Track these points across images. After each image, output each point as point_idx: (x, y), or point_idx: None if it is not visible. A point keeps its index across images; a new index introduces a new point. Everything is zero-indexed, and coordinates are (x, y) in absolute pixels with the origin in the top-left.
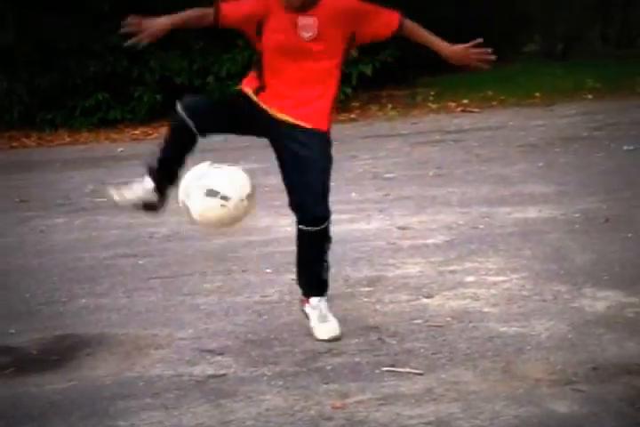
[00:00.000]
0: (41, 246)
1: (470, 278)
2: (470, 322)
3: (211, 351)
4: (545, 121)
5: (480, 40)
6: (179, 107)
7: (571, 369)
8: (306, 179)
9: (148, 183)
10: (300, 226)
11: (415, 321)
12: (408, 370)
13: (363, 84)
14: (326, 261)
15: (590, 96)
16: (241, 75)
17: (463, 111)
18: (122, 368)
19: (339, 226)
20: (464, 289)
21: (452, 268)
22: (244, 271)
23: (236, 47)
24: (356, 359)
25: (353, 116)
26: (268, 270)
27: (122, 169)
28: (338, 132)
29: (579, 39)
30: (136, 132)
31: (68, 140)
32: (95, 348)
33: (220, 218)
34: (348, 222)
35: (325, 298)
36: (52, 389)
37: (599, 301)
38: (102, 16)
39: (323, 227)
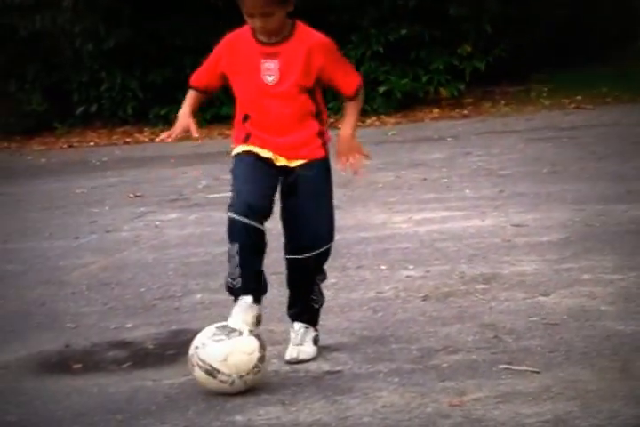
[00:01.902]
0: (155, 241)
1: (586, 276)
2: (587, 320)
3: (327, 348)
4: None
5: (367, 155)
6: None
7: None
8: (311, 211)
9: (244, 302)
10: (286, 255)
11: (531, 319)
12: (525, 368)
13: (476, 79)
14: (318, 293)
15: None
16: None
17: (577, 108)
18: None
19: (454, 222)
20: (580, 287)
21: (567, 266)
22: (358, 268)
23: (349, 42)
24: (473, 357)
25: (465, 112)
26: (382, 267)
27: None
28: (451, 128)
29: None
30: None
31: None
32: None
33: (222, 390)
34: (463, 219)
35: (312, 329)
36: (168, 383)
37: None
38: (218, 13)
39: (324, 249)
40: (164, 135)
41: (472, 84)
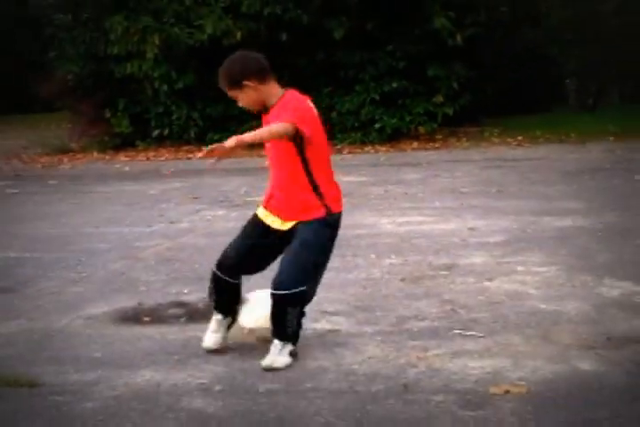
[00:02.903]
0: (207, 230)
1: (520, 268)
2: (519, 300)
3: (329, 313)
4: (578, 155)
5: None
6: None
7: (592, 338)
8: (292, 256)
9: (217, 317)
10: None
11: (479, 297)
12: (473, 333)
13: (445, 121)
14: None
15: (612, 138)
16: (357, 112)
17: (518, 145)
18: None
19: (426, 225)
20: (516, 276)
21: (507, 260)
22: (354, 256)
23: (354, 91)
24: (435, 324)
25: (437, 145)
26: (372, 256)
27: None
28: (426, 156)
29: (603, 95)
30: None
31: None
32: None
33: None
34: (433, 223)
35: (289, 344)
36: None
37: (615, 289)
38: None
39: (274, 293)
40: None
41: (443, 124)
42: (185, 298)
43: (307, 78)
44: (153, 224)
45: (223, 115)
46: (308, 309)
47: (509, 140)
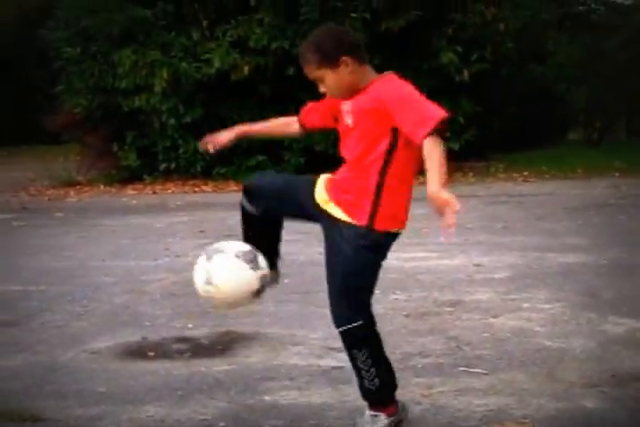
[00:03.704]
0: None
1: (526, 305)
2: (525, 337)
3: (334, 349)
4: (583, 191)
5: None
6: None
7: (596, 375)
8: (329, 280)
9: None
10: None
11: (484, 334)
12: (477, 370)
13: (451, 156)
14: (365, 370)
15: (617, 174)
16: None
17: (524, 181)
18: (268, 358)
19: (431, 261)
20: (521, 312)
21: (512, 296)
22: None
23: None
24: (440, 361)
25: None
26: (376, 291)
27: None
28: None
29: (610, 131)
30: None
31: (234, 188)
32: (250, 342)
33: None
34: (438, 259)
35: (382, 415)
36: (217, 370)
37: (619, 326)
38: (266, 100)
39: (342, 329)
40: (207, 149)
41: (449, 160)
42: (189, 333)
43: None
44: (158, 258)
45: (230, 148)
46: (309, 346)
47: (515, 175)
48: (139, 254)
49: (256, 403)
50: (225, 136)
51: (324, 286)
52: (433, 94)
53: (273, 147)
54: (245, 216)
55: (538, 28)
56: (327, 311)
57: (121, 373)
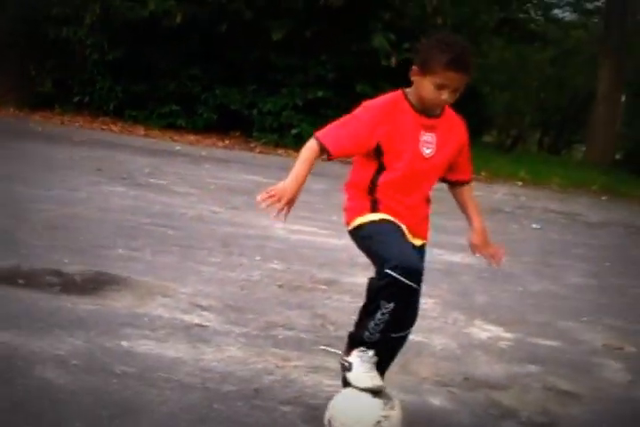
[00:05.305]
0: (102, 205)
1: None
2: None
3: (200, 306)
4: (482, 194)
5: (502, 251)
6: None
7: (450, 376)
8: None
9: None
10: None
11: (352, 317)
12: (336, 351)
13: None
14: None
15: (520, 183)
16: (278, 113)
17: None
18: (134, 305)
19: (318, 237)
20: None
21: None
22: (240, 255)
23: (279, 93)
24: (302, 335)
25: (350, 160)
26: (257, 258)
27: (174, 161)
28: (335, 170)
29: (523, 140)
30: (191, 137)
31: (142, 133)
32: (121, 286)
33: None
34: (325, 236)
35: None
36: (82, 308)
37: (484, 331)
38: (193, 52)
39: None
40: (277, 214)
41: None
42: (64, 268)
43: (235, 72)
44: (51, 189)
45: (145, 93)
46: (177, 300)
47: None
48: (32, 182)
49: (113, 347)
50: (293, 192)
51: (207, 243)
52: (356, 75)
53: (188, 98)
54: (404, 296)
55: (475, 28)
56: (203, 268)
57: None
